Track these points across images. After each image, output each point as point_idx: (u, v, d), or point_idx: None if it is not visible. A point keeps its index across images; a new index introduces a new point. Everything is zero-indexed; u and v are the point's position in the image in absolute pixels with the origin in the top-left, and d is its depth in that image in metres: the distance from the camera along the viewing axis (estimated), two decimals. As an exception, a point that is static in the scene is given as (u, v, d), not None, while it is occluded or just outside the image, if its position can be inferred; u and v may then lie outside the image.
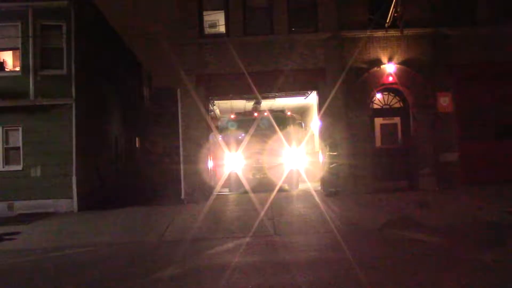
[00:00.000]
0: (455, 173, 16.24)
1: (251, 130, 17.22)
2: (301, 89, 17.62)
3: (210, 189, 16.28)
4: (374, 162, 16.31)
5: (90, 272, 8.49)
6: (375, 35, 16.44)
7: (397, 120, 17.33)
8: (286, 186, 17.02)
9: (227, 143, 17.50)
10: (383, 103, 17.20)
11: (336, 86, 16.11)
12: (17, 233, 12.47)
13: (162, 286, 7.27)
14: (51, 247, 10.91)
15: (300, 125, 19.29)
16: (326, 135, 16.18)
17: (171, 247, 10.31)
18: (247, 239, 10.34)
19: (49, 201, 16.13)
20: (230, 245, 10.01)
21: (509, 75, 16.46)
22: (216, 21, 17.08)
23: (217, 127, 19.05)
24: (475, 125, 16.97)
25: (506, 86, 16.61)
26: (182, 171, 16.44)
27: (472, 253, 8.32)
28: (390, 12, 15.56)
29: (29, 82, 16.34)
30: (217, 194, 16.35)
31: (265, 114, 18.02)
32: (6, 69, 17.26)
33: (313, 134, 20.09)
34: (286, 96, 18.77)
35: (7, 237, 12.04)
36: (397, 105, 17.22)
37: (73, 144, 16.29)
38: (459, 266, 7.62)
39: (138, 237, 11.48)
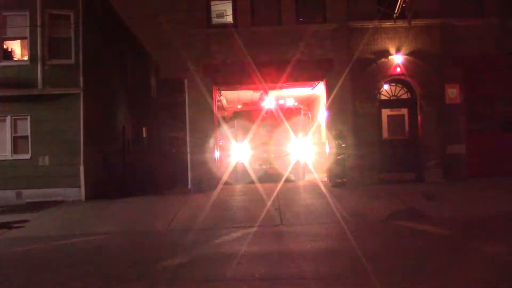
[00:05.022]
0: (462, 165, 16.20)
1: (258, 121, 17.22)
2: (308, 79, 17.60)
3: (217, 179, 16.32)
4: (381, 153, 16.30)
5: (97, 260, 8.57)
6: (383, 25, 16.35)
7: (404, 111, 17.27)
8: (292, 177, 17.03)
9: (234, 133, 17.51)
10: (391, 94, 17.14)
11: (344, 77, 16.06)
12: (26, 221, 12.58)
13: (170, 274, 7.33)
14: (59, 235, 11.01)
15: (307, 115, 19.25)
16: (333, 126, 16.16)
17: (178, 236, 10.38)
18: (254, 229, 10.39)
19: (57, 190, 16.24)
20: (236, 234, 10.05)
21: (518, 67, 16.36)
22: (224, 11, 17.06)
23: (224, 117, 19.06)
24: (483, 117, 16.94)
25: (515, 78, 16.51)
26: (189, 161, 16.50)
27: (478, 245, 8.32)
28: (399, 3, 15.48)
29: (37, 72, 16.37)
30: (224, 184, 16.38)
31: (272, 104, 17.98)
32: (14, 59, 17.30)
33: (320, 125, 20.07)
34: (293, 86, 18.73)
35: (15, 225, 12.15)
36: (404, 96, 17.15)
37: (81, 134, 16.37)
38: (464, 258, 7.63)
39: (145, 226, 11.55)
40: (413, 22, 15.79)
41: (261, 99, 18.53)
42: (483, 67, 16.40)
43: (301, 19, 16.79)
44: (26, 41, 16.77)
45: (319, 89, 18.70)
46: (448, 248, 8.35)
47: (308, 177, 17.65)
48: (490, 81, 16.46)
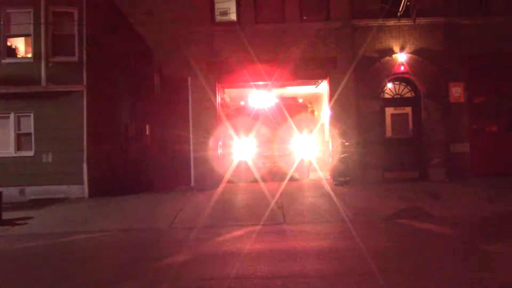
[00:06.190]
0: (466, 164, 16.15)
1: (262, 118, 17.16)
2: (312, 77, 17.57)
3: (220, 177, 16.31)
4: (385, 152, 16.26)
5: (100, 258, 8.57)
6: (387, 24, 16.32)
7: (408, 110, 17.21)
8: (296, 175, 16.96)
9: (237, 131, 17.44)
10: (394, 93, 17.09)
11: (347, 75, 16.05)
12: (29, 218, 12.61)
13: (172, 272, 7.32)
14: (62, 232, 11.03)
15: (312, 112, 19.12)
16: (337, 124, 16.12)
17: (181, 234, 10.37)
18: (257, 227, 10.37)
19: (60, 187, 16.27)
20: (239, 232, 10.04)
21: (522, 65, 16.29)
22: (227, 8, 17.02)
23: (227, 115, 19.01)
24: (487, 116, 16.86)
25: (520, 76, 16.43)
26: (192, 159, 16.50)
27: (482, 245, 8.29)
28: (403, 1, 15.44)
29: (40, 69, 16.39)
30: (227, 183, 16.36)
31: (276, 101, 17.88)
32: (18, 56, 17.37)
33: (323, 123, 20.01)
34: (296, 84, 18.70)
35: (18, 222, 12.19)
36: (408, 95, 17.11)
37: (84, 131, 16.39)
38: (468, 258, 7.61)
39: (148, 224, 11.55)
40: (417, 21, 15.75)
41: (264, 96, 18.44)
42: (487, 66, 16.33)
43: (304, 17, 16.75)
44: (29, 38, 16.78)
45: (323, 87, 18.65)
46: (452, 248, 8.32)
47: (312, 176, 17.57)
48: (494, 79, 16.42)
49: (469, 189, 14.27)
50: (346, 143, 15.54)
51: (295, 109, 17.65)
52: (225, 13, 17.08)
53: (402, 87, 17.08)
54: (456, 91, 16.27)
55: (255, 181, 16.06)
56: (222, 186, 15.82)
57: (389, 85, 16.96)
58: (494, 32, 16.31)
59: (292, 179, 16.32)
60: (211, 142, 16.32)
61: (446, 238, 9.14)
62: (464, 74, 16.37)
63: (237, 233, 10.03)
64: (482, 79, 16.38)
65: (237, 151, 17.20)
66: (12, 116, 16.57)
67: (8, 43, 16.97)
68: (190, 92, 16.67)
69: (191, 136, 16.63)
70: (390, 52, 16.36)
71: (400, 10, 15.74)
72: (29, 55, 16.87)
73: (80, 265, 8.02)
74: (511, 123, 16.73)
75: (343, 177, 15.60)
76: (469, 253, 7.87)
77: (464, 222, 10.37)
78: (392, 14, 16.01)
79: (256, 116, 17.34)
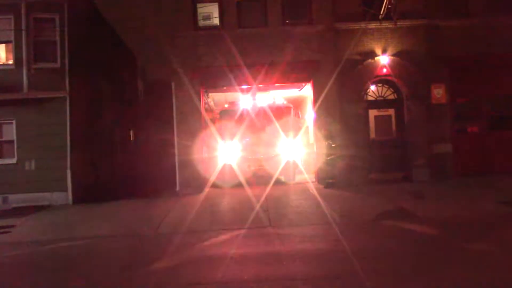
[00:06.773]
0: (449, 165, 16.31)
1: (246, 121, 17.11)
2: (295, 81, 17.59)
3: (205, 181, 16.25)
4: (369, 154, 16.36)
5: (85, 265, 8.51)
6: (370, 27, 16.43)
7: (391, 111, 17.36)
8: (282, 178, 16.90)
9: (222, 135, 17.38)
10: (377, 95, 17.22)
11: (331, 78, 16.11)
12: (12, 226, 12.45)
13: (158, 278, 7.29)
14: (46, 240, 10.92)
15: (296, 115, 19.11)
16: (322, 126, 16.18)
17: (166, 239, 10.31)
18: (242, 231, 10.37)
19: (44, 194, 16.08)
20: (225, 237, 10.03)
21: (503, 66, 16.47)
22: (210, 13, 17.01)
23: (211, 119, 18.95)
24: (469, 117, 17.08)
25: (500, 77, 16.61)
26: (176, 164, 16.44)
27: (465, 244, 8.38)
28: (384, 4, 15.53)
29: (22, 75, 16.24)
30: (212, 187, 16.29)
31: (260, 104, 17.83)
32: (-1, 62, 17.19)
33: (308, 126, 20.05)
34: (280, 88, 18.71)
35: (1, 230, 12.02)
36: (391, 97, 17.25)
37: (67, 137, 16.25)
38: (452, 256, 7.69)
39: (134, 230, 11.47)
40: (399, 23, 15.85)
41: (249, 99, 18.38)
42: (468, 67, 16.51)
43: (287, 21, 16.81)
44: (11, 45, 16.60)
45: (307, 91, 18.69)
46: (436, 248, 8.39)
47: (298, 178, 17.54)
48: (476, 80, 16.58)
49: (452, 189, 14.42)
50: (332, 145, 15.60)
51: (279, 112, 17.58)
52: (208, 17, 17.07)
53: (385, 89, 17.21)
54: (438, 93, 16.45)
55: (241, 184, 16.00)
56: (207, 190, 15.77)
57: (372, 87, 17.08)
58: (474, 34, 16.49)
59: (277, 182, 16.29)
60: (196, 146, 16.28)
61: (430, 238, 9.23)
62: (446, 75, 16.53)
63: (223, 237, 10.02)
64: (463, 80, 16.54)
65: (222, 154, 17.12)
66: (-7, 123, 16.41)
67: (-11, 50, 16.79)
68: (174, 97, 16.63)
69: (175, 140, 16.57)
70: (373, 54, 16.47)
71: (381, 13, 15.84)
72: (11, 62, 16.66)
73: (63, 274, 7.94)
74: (492, 124, 16.95)
75: (329, 179, 15.66)
76: (453, 253, 7.94)
77: (447, 222, 10.48)
78: (374, 17, 16.12)
79: (240, 120, 17.27)
